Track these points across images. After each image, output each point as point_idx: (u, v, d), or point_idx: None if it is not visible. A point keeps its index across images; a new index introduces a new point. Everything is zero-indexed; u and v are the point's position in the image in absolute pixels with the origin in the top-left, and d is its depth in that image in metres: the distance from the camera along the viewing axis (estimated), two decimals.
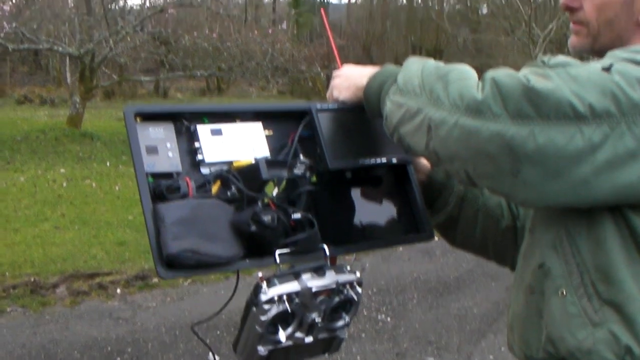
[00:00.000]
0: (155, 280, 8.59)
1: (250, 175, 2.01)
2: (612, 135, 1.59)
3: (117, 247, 9.98)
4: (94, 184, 14.57)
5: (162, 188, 1.90)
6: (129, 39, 21.33)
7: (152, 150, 1.92)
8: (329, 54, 28.97)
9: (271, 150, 2.12)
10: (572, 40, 2.04)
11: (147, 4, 24.26)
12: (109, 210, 12.30)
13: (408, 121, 1.82)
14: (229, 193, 2.00)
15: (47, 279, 8.54)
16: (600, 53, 1.91)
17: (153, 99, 36.84)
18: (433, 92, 1.77)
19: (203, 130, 2.04)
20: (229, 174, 2.00)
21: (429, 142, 1.75)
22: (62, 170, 15.93)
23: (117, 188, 14.24)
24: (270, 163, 2.04)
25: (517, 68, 1.69)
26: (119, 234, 10.72)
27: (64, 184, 14.38)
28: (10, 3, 20.44)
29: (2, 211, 11.88)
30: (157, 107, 2.04)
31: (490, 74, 1.70)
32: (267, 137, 2.14)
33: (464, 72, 1.78)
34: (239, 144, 2.07)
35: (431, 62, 1.91)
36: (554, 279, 1.82)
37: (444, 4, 47.62)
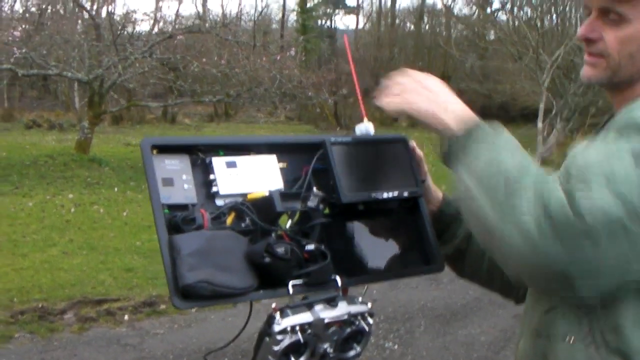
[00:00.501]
0: (163, 306, 8.61)
1: (264, 207, 2.02)
2: None
3: (125, 273, 10.00)
4: (102, 210, 14.62)
5: (177, 219, 1.91)
6: (137, 65, 21.41)
7: (168, 182, 1.94)
8: (337, 80, 29.01)
9: (285, 183, 2.13)
10: (587, 71, 1.95)
11: (156, 29, 24.41)
12: (117, 236, 12.33)
13: (467, 201, 1.77)
14: (243, 225, 2.01)
15: (55, 304, 8.56)
16: (616, 86, 1.91)
17: (161, 125, 36.98)
18: (495, 202, 1.67)
19: (218, 162, 2.05)
20: (243, 206, 2.01)
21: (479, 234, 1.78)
22: (71, 195, 15.97)
23: (125, 214, 14.27)
24: (284, 195, 2.05)
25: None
26: (126, 260, 10.74)
27: (72, 210, 14.42)
28: (20, 28, 20.56)
29: (10, 236, 11.92)
30: (173, 139, 2.06)
31: (549, 211, 1.58)
32: (282, 169, 2.15)
33: (536, 192, 1.63)
34: (253, 176, 2.09)
35: (506, 163, 1.73)
36: (561, 325, 1.79)
37: (452, 30, 47.77)
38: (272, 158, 2.15)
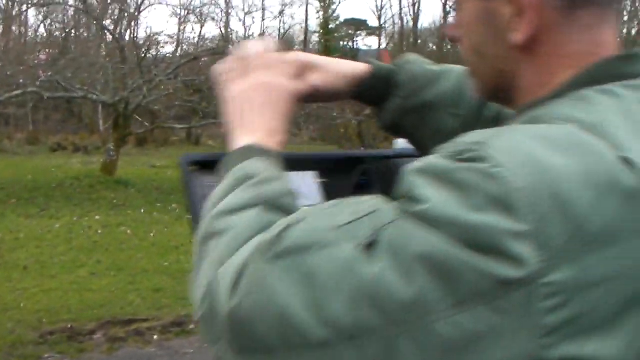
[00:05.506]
0: (192, 326, 8.60)
1: None
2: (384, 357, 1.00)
3: (154, 293, 9.98)
4: (129, 231, 14.63)
5: None
6: (162, 87, 21.53)
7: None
8: None
9: (327, 198, 2.06)
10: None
11: (179, 52, 24.53)
12: (144, 257, 12.33)
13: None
14: None
15: (85, 325, 8.56)
16: (499, 100, 1.37)
17: (185, 147, 37.06)
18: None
19: None
20: None
21: None
22: (97, 217, 15.99)
23: (152, 235, 14.28)
24: None
25: None
26: (155, 280, 10.73)
27: (99, 231, 14.44)
28: (46, 52, 20.75)
29: (38, 257, 11.94)
30: (212, 154, 2.00)
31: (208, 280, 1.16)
32: (322, 184, 2.12)
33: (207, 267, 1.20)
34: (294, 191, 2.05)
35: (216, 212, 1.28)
36: None
37: None
38: (313, 174, 2.08)
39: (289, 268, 1.05)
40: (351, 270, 1.00)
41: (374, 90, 1.78)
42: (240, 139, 1.46)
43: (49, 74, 18.80)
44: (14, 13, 35.51)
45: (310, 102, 1.83)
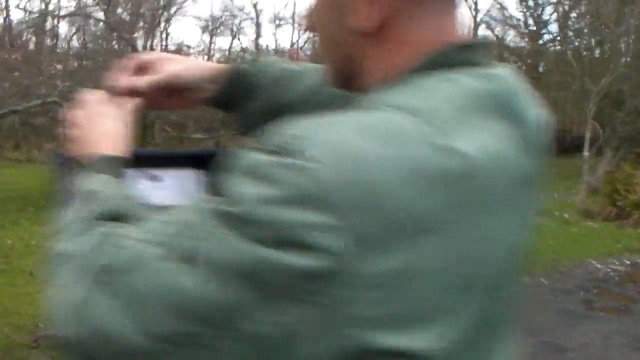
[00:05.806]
0: None
1: None
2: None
3: None
4: None
5: None
6: None
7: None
8: None
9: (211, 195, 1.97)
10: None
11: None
12: None
13: None
14: None
15: None
16: (350, 87, 1.32)
17: None
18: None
19: (140, 175, 1.87)
20: None
21: None
22: None
23: None
24: None
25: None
26: None
27: None
28: (67, 62, 20.83)
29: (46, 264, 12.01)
30: None
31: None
32: (207, 182, 1.96)
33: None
34: (177, 189, 1.95)
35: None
36: None
37: (505, 62, 47.13)
38: (198, 172, 1.97)
39: (115, 292, 1.07)
40: (170, 284, 1.02)
41: (232, 92, 1.79)
42: (82, 156, 1.47)
43: (67, 84, 18.86)
44: (46, 26, 35.79)
45: (182, 105, 1.85)
